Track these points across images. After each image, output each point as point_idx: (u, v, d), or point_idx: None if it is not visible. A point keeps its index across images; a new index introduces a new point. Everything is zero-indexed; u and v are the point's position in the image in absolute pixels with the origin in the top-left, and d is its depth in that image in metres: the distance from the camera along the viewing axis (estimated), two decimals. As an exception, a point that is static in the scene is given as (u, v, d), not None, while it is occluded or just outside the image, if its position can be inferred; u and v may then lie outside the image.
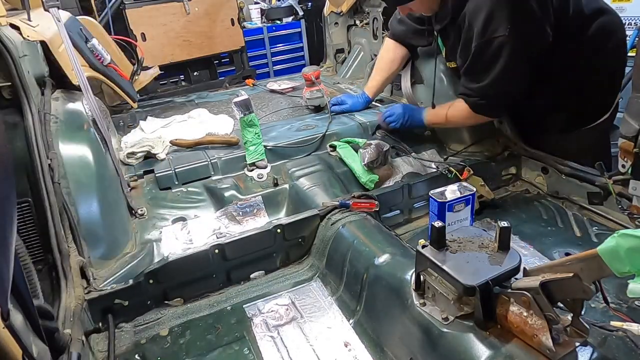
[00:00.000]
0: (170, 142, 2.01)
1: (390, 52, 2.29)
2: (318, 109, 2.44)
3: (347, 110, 2.33)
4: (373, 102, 2.43)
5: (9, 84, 1.48)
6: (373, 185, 1.82)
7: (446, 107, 1.92)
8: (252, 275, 1.57)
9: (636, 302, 1.22)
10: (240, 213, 1.74)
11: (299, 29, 4.87)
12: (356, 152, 1.93)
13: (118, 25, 3.37)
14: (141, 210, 1.69)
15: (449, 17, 1.76)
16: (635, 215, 1.40)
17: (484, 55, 1.64)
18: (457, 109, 1.86)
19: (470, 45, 1.65)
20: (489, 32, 1.59)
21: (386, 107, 2.42)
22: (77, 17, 2.27)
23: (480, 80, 1.71)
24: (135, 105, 2.58)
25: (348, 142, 2.01)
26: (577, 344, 0.91)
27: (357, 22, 3.22)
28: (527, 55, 1.64)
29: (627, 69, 1.88)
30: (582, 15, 1.68)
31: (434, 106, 2.01)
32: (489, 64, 1.65)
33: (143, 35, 3.45)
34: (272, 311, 1.39)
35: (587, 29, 1.70)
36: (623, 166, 1.38)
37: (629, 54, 1.92)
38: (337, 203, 1.62)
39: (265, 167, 1.91)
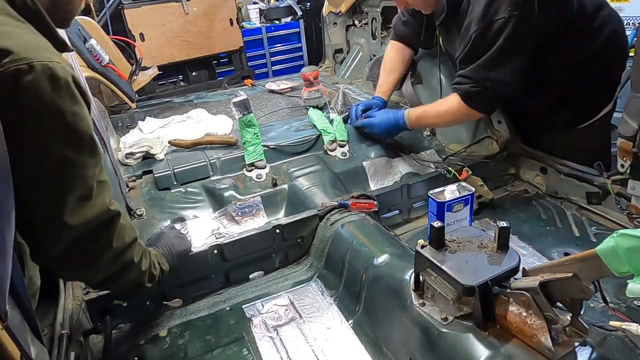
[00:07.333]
0: (169, 142, 2.01)
1: (398, 53, 2.25)
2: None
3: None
4: None
5: None
6: (345, 139, 1.98)
7: (434, 103, 1.86)
8: (251, 276, 1.57)
9: (635, 302, 1.22)
10: (239, 213, 1.74)
11: (297, 29, 4.86)
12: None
13: (116, 26, 3.36)
14: (140, 211, 1.69)
15: (445, 12, 1.71)
16: (634, 215, 1.40)
17: (484, 39, 1.56)
18: (444, 104, 1.77)
19: (470, 29, 1.59)
20: (490, 14, 1.52)
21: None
22: (75, 17, 2.26)
23: (474, 63, 1.61)
24: (133, 105, 2.58)
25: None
26: (576, 343, 0.91)
27: (356, 22, 3.22)
28: (527, 39, 1.55)
29: (628, 63, 1.83)
30: (584, 12, 1.66)
31: None
32: (486, 48, 1.57)
33: (142, 35, 3.44)
34: (271, 311, 1.39)
35: (588, 26, 1.68)
36: (622, 166, 1.39)
37: (630, 54, 1.90)
38: (336, 203, 1.62)
39: (264, 168, 1.90)
